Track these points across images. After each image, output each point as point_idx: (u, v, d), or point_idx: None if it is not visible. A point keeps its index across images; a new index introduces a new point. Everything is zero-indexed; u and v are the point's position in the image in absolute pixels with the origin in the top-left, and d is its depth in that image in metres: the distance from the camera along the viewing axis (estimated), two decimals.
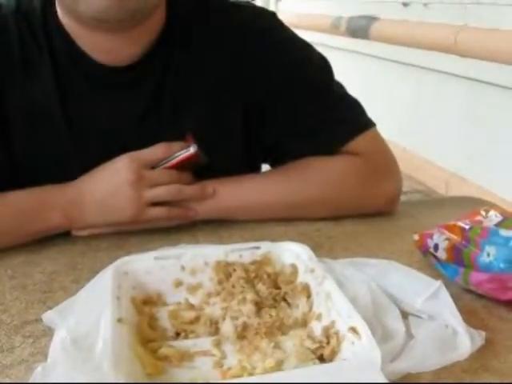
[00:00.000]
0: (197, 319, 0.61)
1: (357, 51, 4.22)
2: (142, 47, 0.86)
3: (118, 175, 0.84)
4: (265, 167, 1.03)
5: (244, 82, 0.90)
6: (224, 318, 0.60)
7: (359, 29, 4.00)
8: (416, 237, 0.77)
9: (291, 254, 0.68)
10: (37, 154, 0.88)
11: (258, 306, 0.61)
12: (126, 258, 0.66)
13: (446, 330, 0.57)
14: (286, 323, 0.60)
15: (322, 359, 0.54)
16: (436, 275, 0.68)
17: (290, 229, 0.89)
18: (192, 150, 0.85)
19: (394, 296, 0.63)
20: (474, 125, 3.03)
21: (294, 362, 0.54)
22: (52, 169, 0.88)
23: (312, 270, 0.64)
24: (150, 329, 0.60)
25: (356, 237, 0.87)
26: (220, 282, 0.65)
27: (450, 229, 0.73)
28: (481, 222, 0.73)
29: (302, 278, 0.65)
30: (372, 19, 3.87)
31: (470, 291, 0.68)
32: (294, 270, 0.66)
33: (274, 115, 0.93)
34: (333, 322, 0.56)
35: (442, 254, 0.72)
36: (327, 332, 0.56)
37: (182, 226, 0.89)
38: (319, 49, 0.96)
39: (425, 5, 3.37)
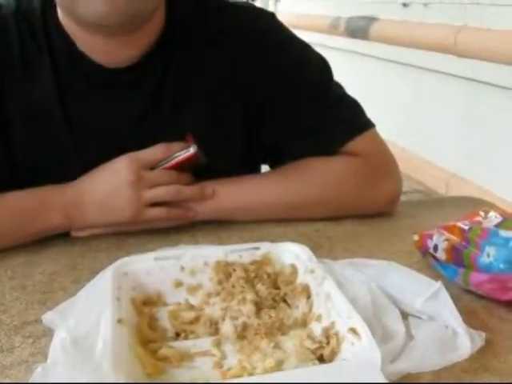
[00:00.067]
0: (197, 319, 0.61)
1: (356, 51, 4.22)
2: (141, 49, 0.86)
3: (117, 176, 0.84)
4: (264, 168, 1.03)
5: (243, 82, 0.90)
6: (224, 319, 0.60)
7: (358, 29, 4.00)
8: (415, 237, 0.77)
9: (291, 254, 0.68)
10: (36, 154, 0.88)
11: (258, 307, 0.61)
12: (126, 259, 0.66)
13: (446, 331, 0.57)
14: (285, 323, 0.60)
15: (321, 360, 0.54)
16: (436, 276, 0.68)
17: (289, 229, 0.89)
18: (192, 150, 0.85)
19: (393, 297, 0.63)
20: (473, 125, 3.04)
21: (294, 363, 0.54)
22: (52, 169, 0.88)
23: (312, 271, 0.64)
24: (149, 329, 0.60)
25: (356, 237, 0.87)
26: (220, 282, 0.65)
27: (450, 229, 0.73)
28: (480, 223, 0.73)
29: (302, 278, 0.65)
30: (371, 19, 3.87)
31: (469, 292, 0.68)
32: (294, 270, 0.66)
33: (274, 115, 0.93)
34: (333, 323, 0.56)
35: (441, 255, 0.72)
36: (327, 332, 0.56)
37: (181, 227, 0.89)
38: (318, 49, 0.96)
39: (424, 5, 3.37)
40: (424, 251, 0.76)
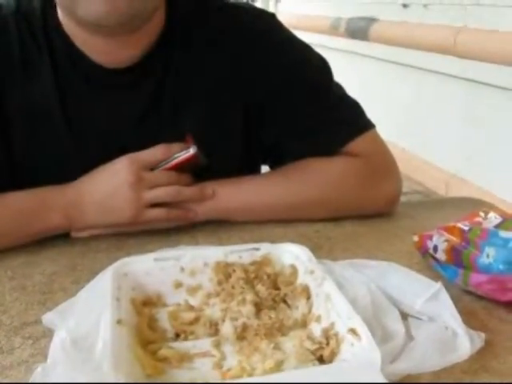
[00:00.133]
0: (196, 320, 0.61)
1: (356, 52, 4.23)
2: (141, 49, 0.86)
3: (117, 176, 0.84)
4: (264, 169, 1.03)
5: (244, 82, 0.90)
6: (224, 319, 0.60)
7: (358, 30, 4.00)
8: (415, 238, 0.77)
9: (291, 255, 0.68)
10: (36, 154, 0.88)
11: (258, 307, 0.61)
12: (126, 260, 0.66)
13: (445, 332, 0.57)
14: (285, 324, 0.60)
15: (321, 360, 0.54)
16: (435, 276, 0.68)
17: (289, 230, 0.89)
18: (191, 151, 0.85)
19: (393, 297, 0.63)
20: (473, 126, 3.04)
21: (294, 363, 0.54)
22: (52, 169, 0.88)
23: (311, 272, 0.64)
24: (149, 330, 0.60)
25: (355, 238, 0.87)
26: (220, 283, 0.65)
27: (450, 230, 0.73)
28: (480, 224, 0.73)
29: (302, 279, 0.65)
30: (371, 20, 3.88)
31: (469, 292, 0.68)
32: (294, 271, 0.66)
33: (274, 115, 0.93)
34: (332, 324, 0.56)
35: (441, 256, 0.72)
36: (327, 333, 0.56)
37: (181, 228, 0.89)
38: (318, 50, 0.96)
39: (424, 6, 3.38)
40: (424, 252, 0.76)
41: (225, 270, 0.66)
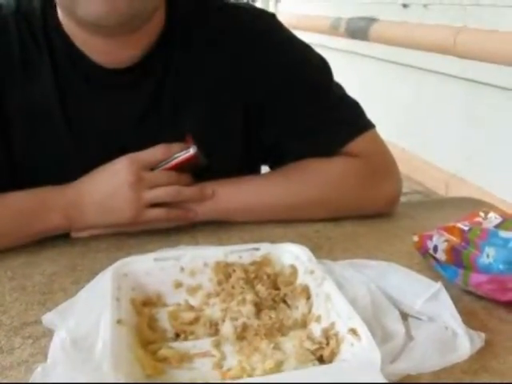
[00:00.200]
0: (196, 320, 0.61)
1: (356, 52, 4.23)
2: (141, 49, 0.86)
3: (117, 176, 0.84)
4: (264, 169, 1.03)
5: (244, 82, 0.90)
6: (224, 319, 0.60)
7: (358, 30, 4.00)
8: (415, 238, 0.77)
9: (291, 255, 0.68)
10: (37, 154, 0.88)
11: (258, 307, 0.61)
12: (126, 260, 0.66)
13: (445, 332, 0.57)
14: (285, 324, 0.60)
15: (321, 360, 0.54)
16: (435, 277, 0.68)
17: (289, 230, 0.89)
18: (191, 151, 0.85)
19: (393, 297, 0.63)
20: (473, 126, 3.04)
21: (294, 363, 0.54)
22: (52, 169, 0.88)
23: (311, 272, 0.64)
24: (149, 330, 0.60)
25: (355, 238, 0.87)
26: (219, 283, 0.65)
27: (450, 230, 0.73)
28: (480, 224, 0.73)
29: (302, 279, 0.65)
30: (371, 20, 3.88)
31: (469, 293, 0.68)
32: (294, 271, 0.66)
33: (274, 115, 0.93)
34: (332, 324, 0.56)
35: (441, 256, 0.72)
36: (327, 333, 0.56)
37: (181, 228, 0.89)
38: (318, 50, 0.96)
39: (424, 6, 3.38)
40: (424, 252, 0.76)
41: (225, 270, 0.66)
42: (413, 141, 3.56)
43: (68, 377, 0.49)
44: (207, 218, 0.90)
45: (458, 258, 0.70)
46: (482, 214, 0.75)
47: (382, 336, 0.55)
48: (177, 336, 0.60)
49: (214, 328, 0.60)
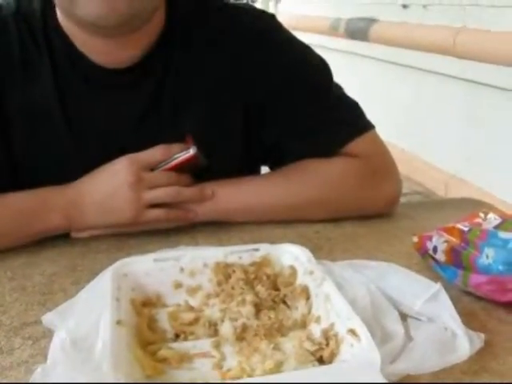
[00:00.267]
0: (196, 321, 0.61)
1: (356, 53, 4.23)
2: (141, 49, 0.86)
3: (117, 177, 0.84)
4: (264, 169, 1.03)
5: (244, 82, 0.90)
6: (223, 320, 0.60)
7: (358, 31, 4.00)
8: (415, 239, 0.77)
9: (290, 255, 0.68)
10: (37, 154, 0.88)
11: (257, 308, 0.61)
12: (126, 260, 0.66)
13: (445, 332, 0.58)
14: (285, 325, 0.60)
15: (321, 361, 0.54)
16: (435, 277, 0.69)
17: (289, 231, 0.89)
18: (191, 151, 0.85)
19: (393, 298, 0.63)
20: (472, 126, 3.04)
21: (294, 364, 0.54)
22: (52, 169, 0.88)
23: (311, 272, 0.64)
24: (149, 330, 0.60)
25: (355, 239, 0.87)
26: (219, 284, 0.65)
27: (449, 231, 0.73)
28: (480, 224, 0.73)
29: (301, 279, 0.65)
30: (371, 21, 3.88)
31: (469, 293, 0.68)
32: (293, 271, 0.66)
33: (274, 115, 0.93)
34: (332, 324, 0.56)
35: (440, 256, 0.72)
36: (326, 334, 0.56)
37: (181, 228, 0.89)
38: (318, 50, 0.96)
39: (424, 7, 3.38)
40: (423, 253, 0.76)
41: (224, 271, 0.66)
42: (412, 141, 3.56)
43: (68, 377, 0.49)
44: (207, 218, 0.90)
45: (458, 259, 0.70)
46: (481, 215, 0.75)
47: (381, 336, 0.55)
48: (176, 336, 0.60)
49: (213, 328, 0.60)
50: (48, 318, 0.63)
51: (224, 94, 0.90)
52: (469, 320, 0.60)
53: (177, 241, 0.84)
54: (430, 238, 0.74)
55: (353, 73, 3.97)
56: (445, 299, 0.62)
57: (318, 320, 0.59)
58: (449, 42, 2.97)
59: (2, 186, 0.85)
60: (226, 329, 0.59)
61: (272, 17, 0.96)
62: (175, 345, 0.58)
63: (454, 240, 0.71)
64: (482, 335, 0.58)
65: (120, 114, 0.88)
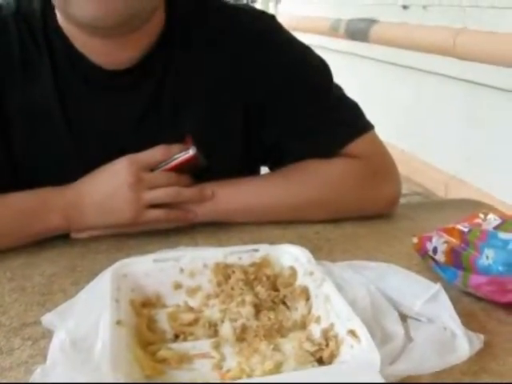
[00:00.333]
0: (196, 321, 0.61)
1: (356, 54, 4.23)
2: (141, 50, 0.86)
3: (117, 177, 0.84)
4: (264, 170, 1.03)
5: (244, 82, 0.90)
6: (223, 320, 0.60)
7: (358, 31, 4.00)
8: (415, 240, 0.77)
9: (290, 256, 0.68)
10: (37, 154, 0.88)
11: (257, 309, 0.61)
12: (125, 261, 0.66)
13: (444, 333, 0.57)
14: (285, 326, 0.60)
15: (321, 362, 0.54)
16: (435, 278, 0.68)
17: (288, 231, 0.89)
18: (191, 152, 0.85)
19: (392, 299, 0.63)
20: (472, 127, 3.04)
21: (293, 365, 0.54)
22: (52, 169, 0.88)
23: (311, 273, 0.64)
24: (148, 331, 0.60)
25: (355, 239, 0.87)
26: (219, 284, 0.65)
27: (449, 232, 0.73)
28: (480, 225, 0.73)
29: (301, 280, 0.65)
30: (371, 22, 3.88)
31: (468, 294, 0.68)
32: (293, 272, 0.66)
33: (274, 115, 0.93)
34: (332, 325, 0.56)
35: (440, 257, 0.72)
36: (326, 335, 0.56)
37: (180, 229, 0.89)
38: (318, 51, 0.97)
39: (424, 7, 3.38)
40: (423, 253, 0.76)
41: (224, 272, 0.66)
42: (412, 142, 3.56)
43: (67, 377, 0.49)
44: (207, 218, 0.90)
45: (458, 260, 0.70)
46: (481, 216, 0.75)
47: (381, 337, 0.55)
48: (176, 337, 0.60)
49: (213, 329, 0.60)
50: (47, 319, 0.62)
51: (224, 94, 0.90)
52: (468, 321, 0.60)
53: (176, 241, 0.84)
54: (430, 239, 0.74)
55: (353, 73, 3.97)
56: (444, 300, 0.62)
57: (317, 320, 0.59)
58: (449, 42, 2.97)
59: (2, 186, 0.85)
60: (225, 329, 0.59)
61: (272, 17, 0.96)
62: (175, 345, 0.58)
63: (454, 241, 0.71)
64: (482, 336, 0.58)
65: (120, 115, 0.88)
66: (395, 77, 3.79)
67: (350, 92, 0.97)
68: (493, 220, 0.74)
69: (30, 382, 0.51)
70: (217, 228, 0.90)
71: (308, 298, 0.62)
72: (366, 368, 0.49)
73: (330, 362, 0.54)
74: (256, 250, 0.68)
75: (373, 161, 0.94)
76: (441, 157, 3.29)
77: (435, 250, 0.73)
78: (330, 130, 0.93)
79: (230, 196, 0.90)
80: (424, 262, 0.76)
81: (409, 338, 0.57)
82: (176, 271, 0.66)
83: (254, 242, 0.72)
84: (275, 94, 0.91)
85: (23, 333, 0.63)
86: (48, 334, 0.61)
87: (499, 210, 0.87)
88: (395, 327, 0.57)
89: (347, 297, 0.58)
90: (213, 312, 0.62)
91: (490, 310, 0.66)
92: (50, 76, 0.86)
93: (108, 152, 0.85)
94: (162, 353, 0.56)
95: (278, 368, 0.53)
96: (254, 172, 1.03)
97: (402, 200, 0.99)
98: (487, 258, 0.66)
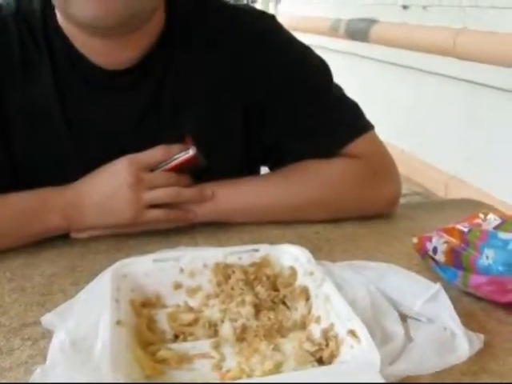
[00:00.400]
0: (196, 321, 0.61)
1: (356, 54, 4.23)
2: (141, 50, 0.86)
3: (117, 177, 0.84)
4: (264, 170, 1.03)
5: (244, 82, 0.90)
6: (223, 321, 0.60)
7: (358, 31, 4.00)
8: (415, 240, 0.77)
9: (290, 256, 0.68)
10: (37, 154, 0.88)
11: (257, 309, 0.61)
12: (125, 261, 0.66)
13: (444, 333, 0.57)
14: (284, 326, 0.60)
15: (320, 362, 0.54)
16: (435, 278, 0.68)
17: (288, 231, 0.89)
18: (191, 152, 0.85)
19: (392, 299, 0.63)
20: (472, 127, 3.04)
21: (293, 365, 0.54)
22: (52, 169, 0.88)
23: (311, 273, 0.64)
24: (148, 331, 0.60)
25: (355, 239, 0.87)
26: (219, 284, 0.65)
27: (449, 232, 0.73)
28: (480, 225, 0.73)
29: (301, 280, 0.65)
30: (371, 22, 3.88)
31: (468, 294, 0.68)
32: (293, 272, 0.66)
33: (275, 115, 0.93)
34: (332, 325, 0.56)
35: (440, 257, 0.72)
36: (326, 335, 0.56)
37: (180, 229, 0.89)
38: (318, 51, 0.96)
39: (424, 8, 3.38)
40: (423, 253, 0.76)
41: (224, 272, 0.66)
42: (412, 142, 3.56)
43: (67, 377, 0.49)
44: (207, 219, 0.90)
45: (458, 260, 0.70)
46: (481, 216, 0.75)
47: (381, 337, 0.55)
48: (176, 337, 0.60)
49: (213, 329, 0.60)
50: (47, 319, 0.62)
51: (224, 94, 0.90)
52: (468, 321, 0.60)
53: (176, 241, 0.84)
54: (430, 239, 0.74)
55: (353, 73, 3.97)
56: (444, 300, 0.62)
57: (317, 320, 0.59)
58: (449, 42, 2.97)
59: (2, 186, 0.85)
60: (225, 329, 0.59)
61: (272, 17, 0.96)
62: (174, 345, 0.58)
63: (454, 241, 0.71)
64: (482, 336, 0.58)
65: (120, 115, 0.88)
66: (395, 77, 3.79)
67: (350, 92, 0.97)
68: (493, 220, 0.74)
69: (29, 382, 0.51)
70: (217, 228, 0.90)
71: (308, 298, 0.62)
72: (365, 368, 0.49)
73: (329, 362, 0.54)
74: (256, 250, 0.68)
75: (373, 161, 0.94)
76: (441, 157, 3.29)
77: (435, 250, 0.73)
78: (330, 130, 0.93)
79: (230, 196, 0.90)
80: (424, 262, 0.76)
81: (409, 338, 0.57)
82: (176, 271, 0.66)
83: (254, 242, 0.72)
84: (275, 94, 0.91)
85: (23, 333, 0.63)
86: (48, 334, 0.61)
87: (499, 210, 0.87)
88: (395, 327, 0.57)
89: (347, 297, 0.58)
90: (213, 312, 0.62)
91: (489, 310, 0.66)
92: (49, 76, 0.86)
93: (108, 152, 0.85)
94: (162, 353, 0.56)
95: (277, 368, 0.53)
96: (254, 172, 1.03)
97: (402, 200, 0.99)
98: (487, 257, 0.66)
